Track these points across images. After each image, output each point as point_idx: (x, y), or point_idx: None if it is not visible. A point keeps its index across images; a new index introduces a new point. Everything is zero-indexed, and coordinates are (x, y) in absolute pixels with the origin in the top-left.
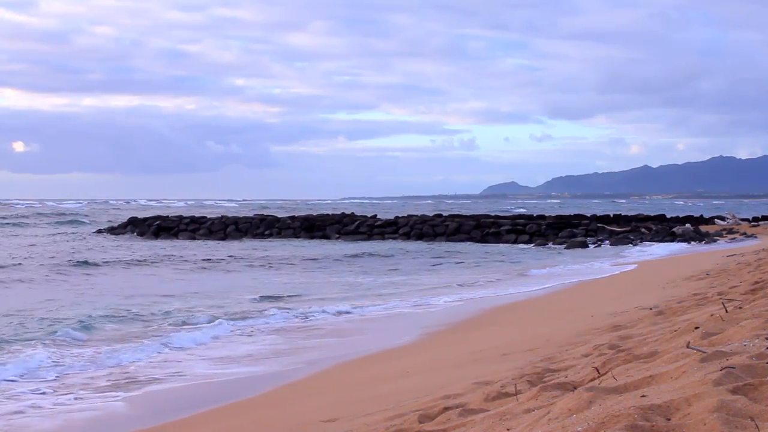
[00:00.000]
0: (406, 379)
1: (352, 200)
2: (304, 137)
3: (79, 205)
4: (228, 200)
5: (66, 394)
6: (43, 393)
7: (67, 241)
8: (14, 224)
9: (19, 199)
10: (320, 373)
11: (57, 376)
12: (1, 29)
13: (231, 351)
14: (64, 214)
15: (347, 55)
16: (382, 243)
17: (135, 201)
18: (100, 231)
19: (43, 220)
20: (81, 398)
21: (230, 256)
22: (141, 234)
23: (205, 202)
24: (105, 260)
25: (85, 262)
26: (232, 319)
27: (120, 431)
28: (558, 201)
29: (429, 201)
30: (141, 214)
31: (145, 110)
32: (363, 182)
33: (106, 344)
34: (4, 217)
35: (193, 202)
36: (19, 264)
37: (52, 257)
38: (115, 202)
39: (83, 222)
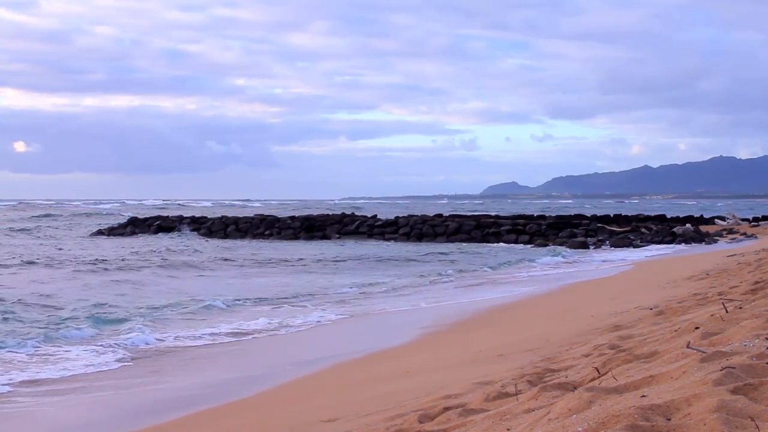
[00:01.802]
0: (406, 379)
1: (371, 200)
2: (305, 137)
3: (113, 205)
4: (245, 200)
5: None
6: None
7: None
8: (70, 225)
9: (41, 200)
10: (320, 372)
11: None
12: (2, 29)
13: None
14: (111, 214)
15: (348, 55)
16: (384, 244)
17: (144, 201)
18: (101, 232)
19: (93, 221)
20: None
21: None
22: (140, 232)
23: (229, 202)
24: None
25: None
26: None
27: None
28: (571, 201)
29: (443, 201)
30: (165, 214)
31: (145, 110)
32: (363, 182)
33: None
34: (53, 216)
35: (212, 203)
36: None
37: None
38: (133, 202)
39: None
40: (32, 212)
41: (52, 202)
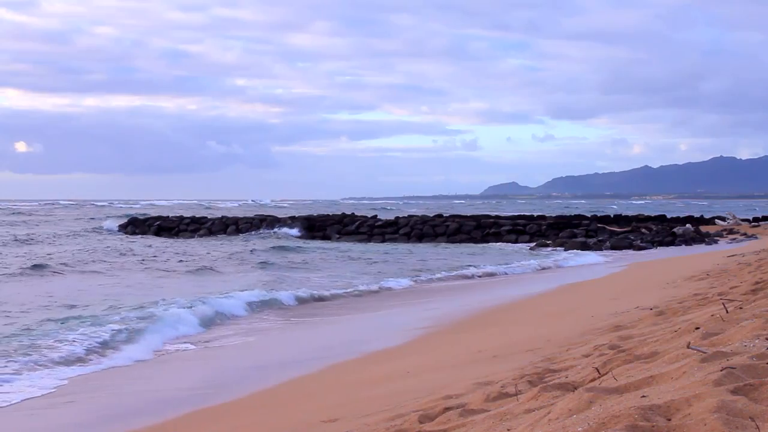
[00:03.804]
0: (406, 379)
1: (386, 200)
2: (306, 137)
3: (139, 206)
4: (245, 200)
5: None
6: None
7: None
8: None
9: (64, 200)
10: (320, 373)
11: None
12: (3, 29)
13: None
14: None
15: (349, 55)
16: (384, 245)
17: (155, 202)
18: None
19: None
20: None
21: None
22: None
23: (252, 202)
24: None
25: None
26: None
27: None
28: (584, 201)
29: (461, 201)
30: (192, 214)
31: (146, 110)
32: (364, 182)
33: None
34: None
35: (240, 203)
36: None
37: None
38: (144, 203)
39: None
40: (76, 213)
41: (73, 203)
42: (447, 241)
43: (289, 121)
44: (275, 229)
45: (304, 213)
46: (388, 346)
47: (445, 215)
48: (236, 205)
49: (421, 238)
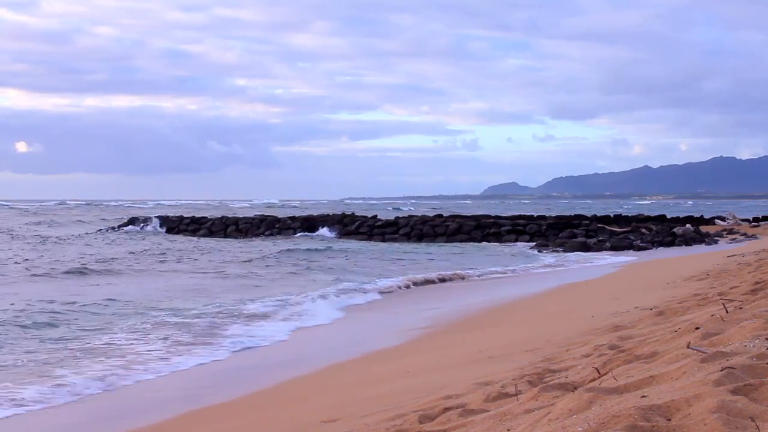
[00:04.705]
0: (406, 379)
1: (393, 200)
2: (306, 137)
3: (148, 207)
4: (250, 200)
5: None
6: None
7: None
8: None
9: (75, 200)
10: (320, 373)
11: None
12: (4, 29)
13: None
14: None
15: (349, 55)
16: (385, 245)
17: (162, 202)
18: (100, 231)
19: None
20: None
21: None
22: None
23: (259, 202)
24: None
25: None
26: None
27: None
28: (590, 201)
29: (467, 201)
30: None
31: (147, 110)
32: (364, 182)
33: None
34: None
35: (250, 204)
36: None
37: None
38: (151, 203)
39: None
40: (101, 213)
41: (82, 203)
42: (447, 241)
43: (290, 121)
44: (318, 231)
45: (316, 213)
46: (388, 346)
47: (444, 215)
48: (247, 205)
49: (420, 238)
